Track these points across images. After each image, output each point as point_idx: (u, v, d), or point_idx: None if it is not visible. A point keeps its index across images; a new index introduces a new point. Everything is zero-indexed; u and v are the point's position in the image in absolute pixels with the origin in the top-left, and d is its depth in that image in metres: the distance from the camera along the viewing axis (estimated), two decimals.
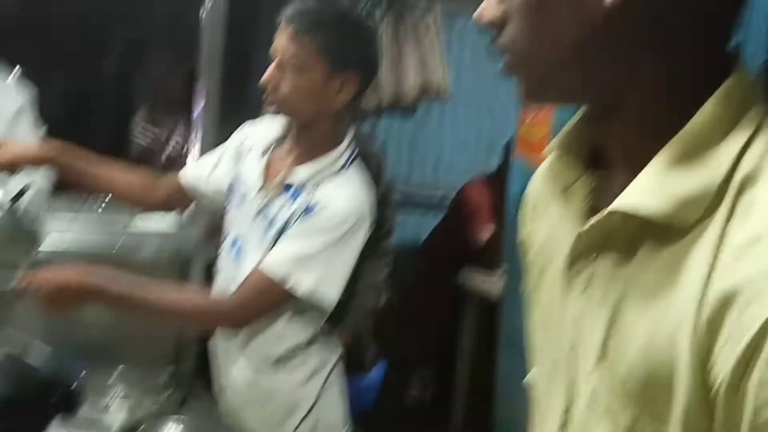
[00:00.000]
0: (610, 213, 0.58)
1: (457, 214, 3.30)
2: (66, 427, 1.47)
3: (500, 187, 2.67)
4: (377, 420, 2.83)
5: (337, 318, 2.00)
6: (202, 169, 1.56)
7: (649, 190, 0.56)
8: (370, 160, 2.10)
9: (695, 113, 0.56)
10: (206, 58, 2.23)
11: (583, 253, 0.62)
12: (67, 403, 1.12)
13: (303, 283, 1.35)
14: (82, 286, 1.30)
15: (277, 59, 1.36)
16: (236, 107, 2.58)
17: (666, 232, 0.55)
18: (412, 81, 2.81)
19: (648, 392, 0.56)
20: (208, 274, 1.74)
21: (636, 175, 0.57)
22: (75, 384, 1.11)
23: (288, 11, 1.37)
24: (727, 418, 0.51)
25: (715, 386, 0.51)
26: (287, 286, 1.34)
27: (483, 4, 0.61)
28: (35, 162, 1.45)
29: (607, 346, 0.59)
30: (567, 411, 0.65)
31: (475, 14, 0.62)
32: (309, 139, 1.42)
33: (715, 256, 0.52)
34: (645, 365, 0.55)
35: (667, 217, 0.55)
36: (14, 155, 1.43)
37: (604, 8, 0.55)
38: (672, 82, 0.57)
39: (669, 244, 0.55)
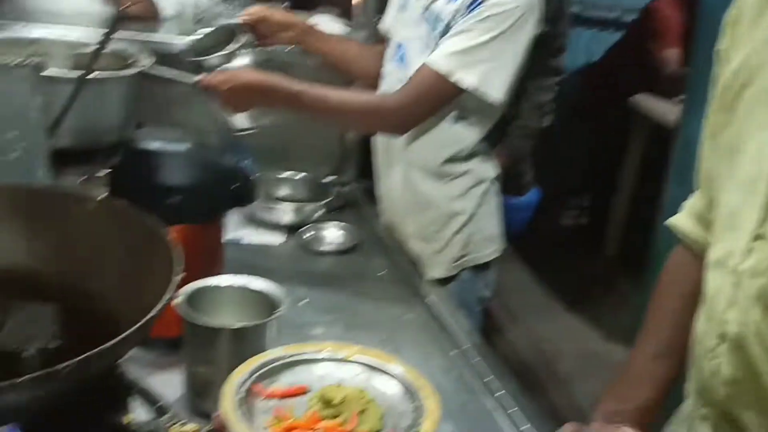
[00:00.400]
0: None
1: (639, 33, 3.04)
2: (242, 216, 1.62)
3: (691, 6, 2.40)
4: (530, 242, 2.87)
5: (497, 137, 1.97)
6: (389, 9, 1.56)
7: None
8: None
9: None
10: None
11: None
12: (245, 194, 1.22)
13: (469, 75, 1.33)
14: (257, 84, 1.36)
15: None
16: None
17: None
18: None
19: None
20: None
21: None
22: (253, 176, 1.19)
23: None
24: None
25: None
26: (453, 79, 1.33)
27: None
28: (291, 29, 1.52)
29: None
30: (762, 226, 0.64)
31: None
32: None
33: None
34: None
35: None
36: (282, 19, 1.51)
37: None
38: None
39: None
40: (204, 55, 1.45)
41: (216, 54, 1.44)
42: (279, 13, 1.54)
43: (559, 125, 2.46)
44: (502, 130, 2.08)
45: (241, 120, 1.40)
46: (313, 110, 1.41)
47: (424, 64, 1.35)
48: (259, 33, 1.50)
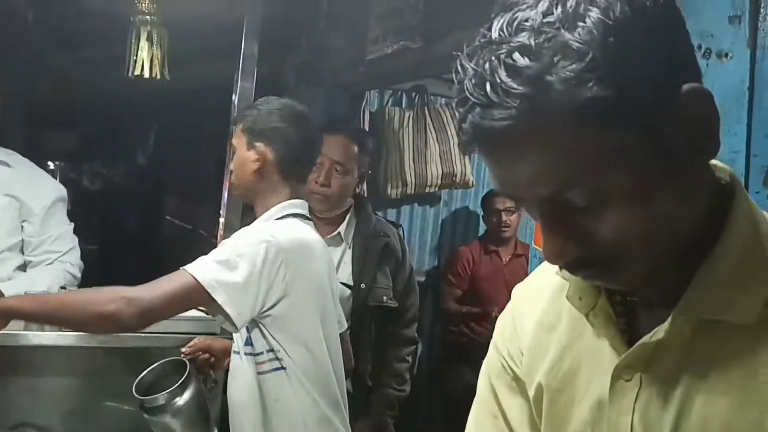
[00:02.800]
0: (682, 320, 0.58)
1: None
2: None
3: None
4: None
5: (360, 408, 1.94)
6: None
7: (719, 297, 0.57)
8: (391, 247, 2.11)
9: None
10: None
11: (636, 362, 0.61)
12: None
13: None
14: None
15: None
16: None
17: (732, 328, 0.57)
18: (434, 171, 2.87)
19: None
20: None
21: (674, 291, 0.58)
22: None
23: None
24: None
25: None
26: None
27: (551, 248, 0.58)
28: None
29: None
30: None
31: (548, 257, 0.59)
32: None
33: None
34: None
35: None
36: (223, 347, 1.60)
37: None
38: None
39: (736, 338, 0.57)
40: (150, 393, 1.44)
41: (163, 392, 1.43)
42: (219, 342, 1.58)
43: (422, 390, 2.46)
44: (365, 399, 2.08)
45: None
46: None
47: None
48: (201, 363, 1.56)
